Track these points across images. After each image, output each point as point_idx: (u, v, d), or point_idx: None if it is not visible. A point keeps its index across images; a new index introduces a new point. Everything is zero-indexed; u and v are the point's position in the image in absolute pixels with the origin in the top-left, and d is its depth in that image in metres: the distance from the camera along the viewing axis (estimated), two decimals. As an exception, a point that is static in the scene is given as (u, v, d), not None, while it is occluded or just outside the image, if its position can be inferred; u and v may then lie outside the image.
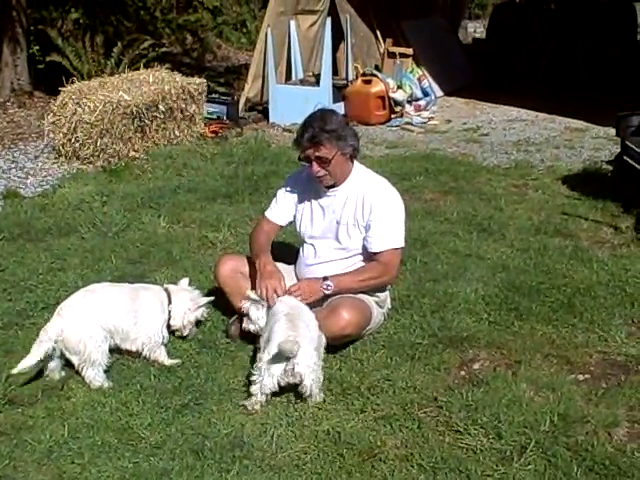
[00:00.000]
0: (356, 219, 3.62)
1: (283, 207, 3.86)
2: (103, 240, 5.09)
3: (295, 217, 3.85)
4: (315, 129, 3.49)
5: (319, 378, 3.23)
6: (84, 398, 3.28)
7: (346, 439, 2.99)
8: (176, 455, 2.89)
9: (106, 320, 3.43)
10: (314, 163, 3.55)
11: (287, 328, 3.21)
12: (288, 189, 3.87)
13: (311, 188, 3.72)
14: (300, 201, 3.81)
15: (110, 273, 4.54)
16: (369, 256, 3.64)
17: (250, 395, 3.19)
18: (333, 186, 3.66)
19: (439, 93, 10.34)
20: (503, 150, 7.33)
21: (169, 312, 3.64)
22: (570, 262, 4.56)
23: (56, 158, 6.83)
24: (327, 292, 3.51)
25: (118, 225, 5.33)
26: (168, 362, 3.52)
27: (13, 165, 6.79)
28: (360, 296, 3.63)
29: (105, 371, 3.38)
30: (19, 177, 6.49)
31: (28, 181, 6.39)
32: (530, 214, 5.48)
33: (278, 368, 3.13)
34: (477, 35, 16.21)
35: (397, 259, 3.68)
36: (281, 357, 3.11)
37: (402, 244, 3.67)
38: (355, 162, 3.72)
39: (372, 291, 3.66)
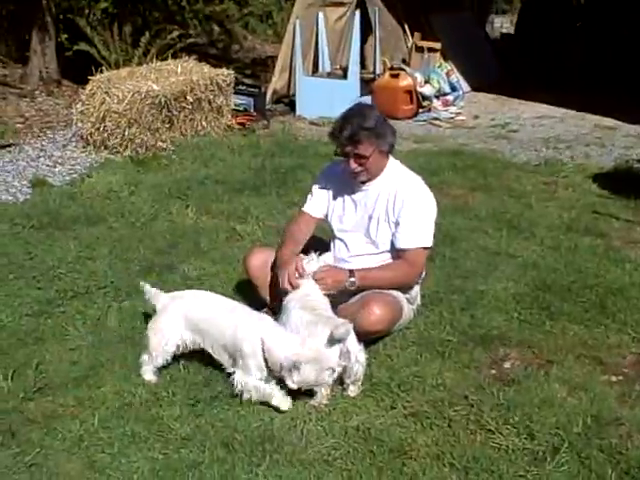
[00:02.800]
0: (387, 214, 3.58)
1: (318, 200, 3.83)
2: (131, 230, 5.10)
3: (328, 210, 3.83)
4: (354, 126, 3.45)
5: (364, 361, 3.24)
6: (114, 387, 3.28)
7: (376, 435, 2.97)
8: (206, 447, 2.88)
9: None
10: (352, 160, 3.52)
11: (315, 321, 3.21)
12: (322, 182, 3.85)
13: (344, 182, 3.69)
14: (333, 194, 3.78)
15: (138, 263, 4.56)
16: (397, 253, 3.60)
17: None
18: (367, 181, 3.63)
19: (467, 88, 10.24)
20: (532, 147, 7.25)
21: None
22: (602, 262, 4.50)
23: (84, 147, 6.86)
24: (350, 288, 3.48)
25: (146, 215, 5.34)
26: None
27: (42, 154, 6.82)
28: (392, 292, 3.60)
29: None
30: (47, 166, 6.52)
31: (56, 170, 6.41)
32: (560, 212, 5.42)
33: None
34: (504, 30, 16.07)
35: (423, 258, 3.63)
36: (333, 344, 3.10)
37: (430, 244, 3.62)
38: (390, 157, 3.68)
39: (399, 289, 3.63)
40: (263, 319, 3.26)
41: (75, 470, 2.80)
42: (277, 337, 3.09)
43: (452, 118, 8.59)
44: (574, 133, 7.83)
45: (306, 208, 3.87)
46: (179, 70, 7.32)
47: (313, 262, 3.50)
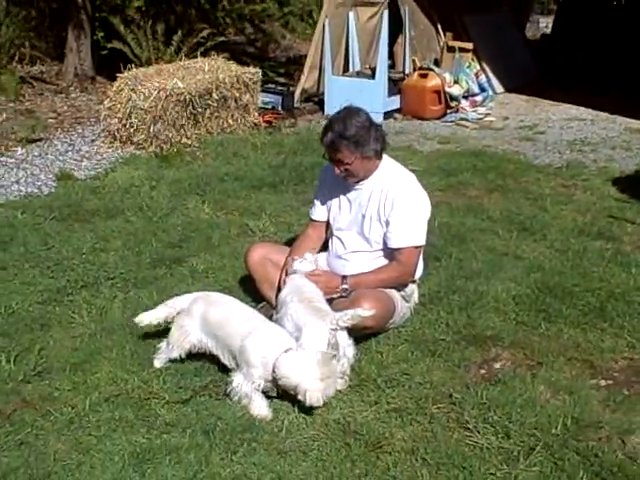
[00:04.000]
0: (378, 214, 3.64)
1: (319, 204, 3.93)
2: (147, 223, 5.23)
3: (329, 210, 3.90)
4: (334, 134, 3.53)
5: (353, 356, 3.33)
6: (109, 374, 3.40)
7: (355, 429, 3.04)
8: (188, 433, 2.98)
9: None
10: (335, 164, 3.60)
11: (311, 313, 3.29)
12: (321, 185, 3.96)
13: (339, 182, 3.75)
14: (331, 194, 3.85)
15: (149, 256, 4.67)
16: (390, 252, 3.65)
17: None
18: (359, 181, 3.68)
19: (500, 89, 10.19)
20: (556, 149, 7.19)
21: None
22: (608, 266, 4.48)
23: (111, 142, 7.02)
24: (343, 295, 3.54)
25: (163, 209, 5.47)
26: None
27: (70, 148, 7.01)
28: (385, 289, 3.65)
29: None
30: (75, 160, 6.70)
31: (83, 164, 6.59)
32: (575, 215, 5.39)
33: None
34: (548, 31, 15.88)
35: (416, 257, 3.68)
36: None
37: (422, 242, 3.68)
38: (384, 156, 3.73)
39: (395, 287, 3.68)
40: (277, 333, 3.28)
41: (62, 450, 2.92)
42: (292, 361, 3.09)
43: (480, 119, 8.54)
44: (602, 136, 7.73)
45: (311, 214, 3.98)
46: (206, 68, 7.44)
47: (305, 262, 3.58)
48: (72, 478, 2.77)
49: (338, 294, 3.55)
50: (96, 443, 2.95)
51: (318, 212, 3.91)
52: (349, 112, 3.66)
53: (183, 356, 3.42)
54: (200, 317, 3.40)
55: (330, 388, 3.11)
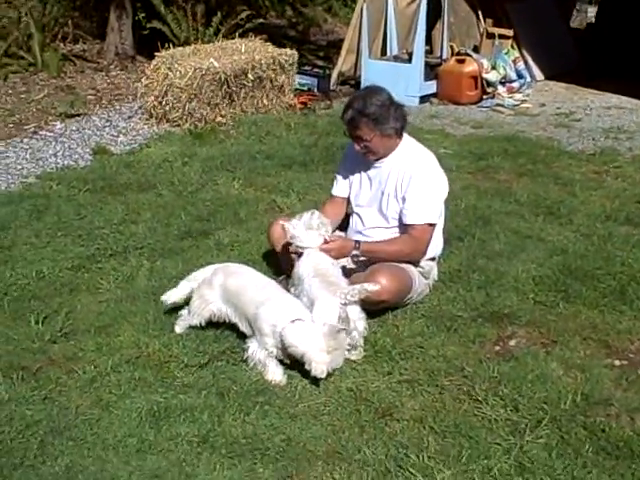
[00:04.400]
0: (396, 191, 3.70)
1: (340, 180, 4.01)
2: (177, 197, 5.34)
3: (350, 188, 3.96)
4: (354, 111, 3.60)
5: (364, 330, 3.39)
6: (131, 337, 3.52)
7: (366, 397, 3.11)
8: (203, 395, 3.08)
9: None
10: (355, 141, 3.66)
11: (323, 287, 3.36)
12: (343, 162, 4.04)
13: (361, 160, 3.81)
14: (353, 171, 3.92)
15: (177, 228, 4.79)
16: (405, 228, 3.70)
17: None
18: (379, 158, 3.74)
19: (540, 77, 10.08)
20: (591, 136, 7.12)
21: None
22: (632, 250, 4.45)
23: (147, 119, 7.15)
24: (354, 259, 3.59)
25: (194, 185, 5.58)
26: None
27: (107, 124, 7.16)
28: (402, 264, 3.71)
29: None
30: (111, 135, 6.85)
31: (119, 139, 6.73)
32: (604, 201, 5.35)
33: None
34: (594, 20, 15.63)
35: (428, 235, 3.73)
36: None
37: (435, 220, 3.72)
38: (405, 136, 3.78)
39: (408, 262, 3.72)
40: (289, 303, 3.36)
41: (83, 406, 3.05)
42: (298, 331, 3.17)
43: (516, 105, 8.47)
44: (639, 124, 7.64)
45: (333, 191, 4.05)
46: (243, 49, 7.52)
47: (305, 216, 3.61)
48: (91, 431, 2.89)
49: (350, 259, 3.61)
50: (116, 400, 3.07)
51: (339, 188, 3.98)
52: (370, 90, 3.72)
53: (203, 324, 3.52)
54: (220, 287, 3.48)
55: (336, 361, 3.17)
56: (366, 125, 3.59)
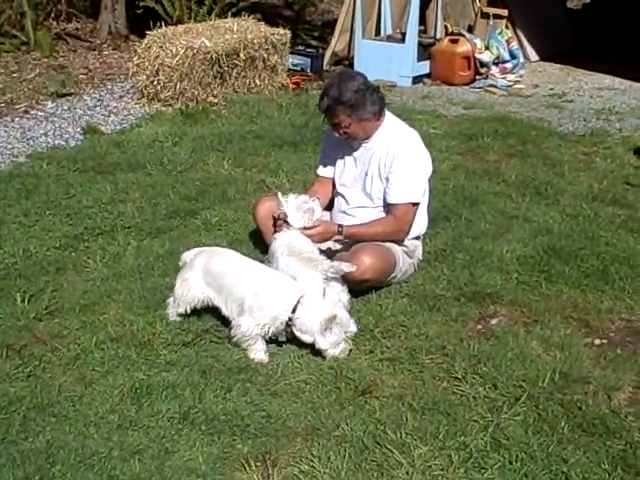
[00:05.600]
0: (379, 170, 3.72)
1: (325, 160, 4.03)
2: (166, 177, 5.35)
3: (334, 167, 3.98)
4: (330, 99, 3.61)
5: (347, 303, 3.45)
6: (116, 315, 3.54)
7: (347, 375, 3.13)
8: (185, 372, 3.11)
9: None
10: (334, 129, 3.69)
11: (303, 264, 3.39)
12: (327, 142, 4.06)
13: (344, 140, 3.82)
14: (336, 151, 3.94)
15: (165, 207, 4.80)
16: (388, 209, 3.72)
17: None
18: (363, 140, 3.75)
19: (534, 57, 10.08)
20: (582, 117, 7.13)
21: None
22: (617, 231, 4.48)
23: (139, 99, 7.15)
24: (338, 238, 3.62)
25: (183, 164, 5.59)
26: None
27: (98, 103, 7.14)
28: (386, 244, 3.73)
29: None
30: (102, 115, 6.84)
31: (110, 119, 6.73)
32: (591, 182, 5.38)
33: None
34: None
35: (411, 214, 3.75)
36: None
37: (418, 199, 3.74)
38: (389, 115, 3.79)
39: (392, 241, 3.75)
40: (287, 278, 3.39)
41: (67, 383, 3.07)
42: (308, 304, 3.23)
43: (509, 86, 8.48)
44: (631, 105, 7.63)
45: (318, 170, 4.07)
46: (235, 28, 7.50)
47: (302, 197, 3.64)
48: (74, 408, 2.92)
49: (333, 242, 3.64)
50: (99, 378, 3.10)
51: (323, 169, 4.00)
52: (344, 77, 3.72)
53: (189, 311, 3.48)
54: (202, 268, 3.48)
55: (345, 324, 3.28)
56: (343, 112, 3.61)
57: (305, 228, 3.57)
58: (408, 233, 3.80)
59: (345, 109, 3.60)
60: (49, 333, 3.42)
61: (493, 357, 3.23)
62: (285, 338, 3.33)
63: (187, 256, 3.64)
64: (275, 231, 3.62)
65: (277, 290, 3.30)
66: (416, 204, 3.73)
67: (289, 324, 3.23)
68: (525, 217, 4.72)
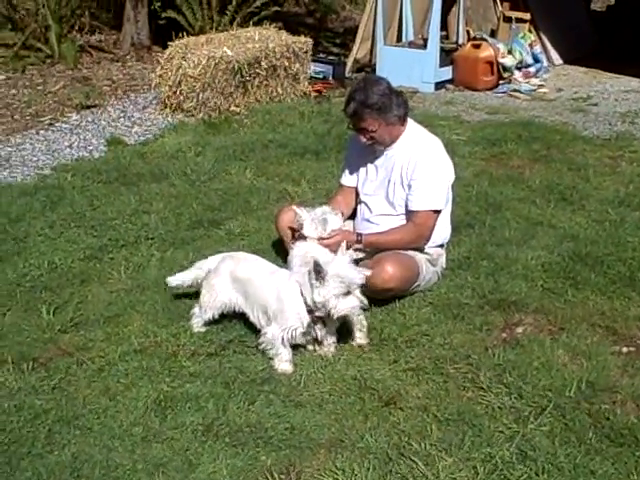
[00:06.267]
0: (402, 178, 3.70)
1: (348, 169, 4.03)
2: (190, 187, 5.37)
3: (357, 176, 3.97)
4: (356, 103, 3.60)
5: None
6: (140, 327, 3.56)
7: (371, 385, 3.12)
8: (209, 383, 3.12)
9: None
10: (361, 133, 3.67)
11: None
12: (350, 151, 4.07)
13: (367, 148, 3.81)
14: (359, 160, 3.93)
15: (188, 218, 4.82)
16: (409, 216, 3.71)
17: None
18: (387, 146, 3.74)
19: (558, 61, 9.98)
20: (607, 121, 7.05)
21: None
22: (645, 236, 4.43)
23: (162, 109, 7.19)
24: (358, 247, 3.61)
25: (206, 174, 5.61)
26: None
27: (122, 114, 7.20)
28: (409, 252, 3.71)
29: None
30: (126, 126, 6.89)
31: (133, 130, 6.77)
32: (618, 186, 5.31)
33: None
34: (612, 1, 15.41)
35: (432, 221, 3.72)
36: None
37: (439, 207, 3.72)
38: (410, 122, 3.78)
39: (415, 249, 3.72)
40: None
41: (91, 395, 3.09)
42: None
43: (533, 91, 8.40)
44: (658, 108, 7.54)
45: (341, 180, 4.07)
46: (257, 37, 7.52)
47: (319, 210, 3.65)
48: (98, 420, 2.93)
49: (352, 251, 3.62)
50: (123, 390, 3.11)
51: (347, 178, 4.00)
52: (369, 81, 3.73)
53: (216, 317, 3.51)
54: (229, 274, 3.50)
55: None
56: (370, 115, 3.60)
57: (322, 238, 3.56)
58: (429, 240, 3.77)
59: (372, 112, 3.60)
60: (74, 345, 3.45)
61: (518, 366, 3.20)
62: (312, 344, 3.35)
63: (209, 263, 3.65)
64: (294, 242, 3.62)
65: (296, 291, 3.30)
66: (437, 211, 3.71)
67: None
68: (550, 223, 4.67)
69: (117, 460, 2.70)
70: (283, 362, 3.26)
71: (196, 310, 3.57)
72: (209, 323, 3.54)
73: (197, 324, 3.54)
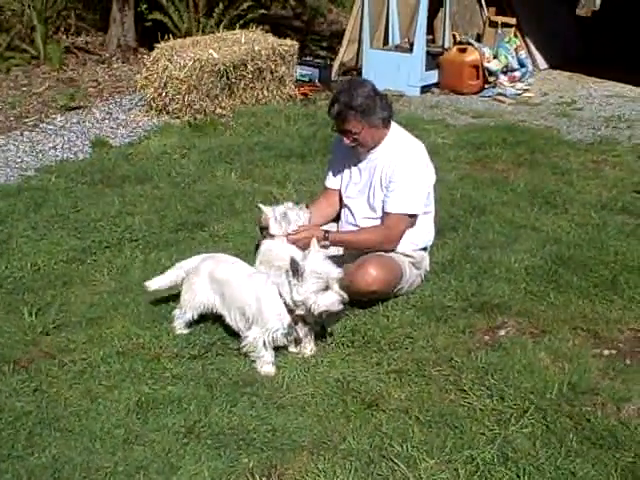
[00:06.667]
0: (381, 180, 3.71)
1: (332, 172, 4.03)
2: (174, 189, 5.36)
3: (341, 179, 3.98)
4: (340, 105, 3.61)
5: None
6: (123, 329, 3.54)
7: (354, 387, 3.12)
8: (191, 386, 3.11)
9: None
10: (344, 135, 3.68)
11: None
12: (334, 154, 4.07)
13: (351, 151, 3.82)
14: (343, 163, 3.94)
15: (173, 220, 4.81)
16: (382, 217, 3.74)
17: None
18: (370, 149, 3.74)
19: (544, 65, 10.06)
20: (591, 125, 7.10)
21: None
22: (627, 240, 4.45)
23: (147, 111, 7.18)
24: (325, 244, 3.61)
25: (191, 176, 5.61)
26: None
27: (107, 116, 7.18)
28: (392, 254, 3.72)
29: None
30: (111, 128, 6.87)
31: (118, 132, 6.76)
32: (600, 190, 5.35)
33: None
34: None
35: (403, 225, 3.72)
36: None
37: (414, 211, 3.72)
38: (394, 125, 3.78)
39: (390, 250, 3.74)
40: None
41: (73, 397, 3.07)
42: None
43: (518, 95, 8.46)
44: (641, 113, 7.60)
45: (325, 182, 4.08)
46: (243, 40, 7.53)
47: (282, 207, 3.69)
48: (79, 423, 2.91)
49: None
50: (105, 392, 3.10)
51: (331, 180, 4.00)
52: (354, 83, 3.73)
53: (196, 317, 3.50)
54: (208, 275, 3.49)
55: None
56: (354, 118, 3.60)
57: (289, 234, 3.59)
58: (397, 244, 3.75)
59: (356, 114, 3.60)
60: (56, 347, 3.42)
61: (501, 369, 3.20)
62: (293, 343, 3.35)
63: (189, 263, 3.64)
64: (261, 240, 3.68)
65: (274, 293, 3.29)
66: (412, 216, 3.71)
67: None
68: (533, 226, 4.70)
69: (98, 462, 2.69)
70: (266, 365, 3.26)
71: (177, 312, 3.55)
72: (191, 325, 3.53)
73: (179, 326, 3.53)
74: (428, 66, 8.67)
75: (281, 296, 3.23)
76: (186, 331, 3.52)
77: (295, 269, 3.15)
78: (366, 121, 3.62)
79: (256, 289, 3.32)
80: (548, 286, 3.93)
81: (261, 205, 3.77)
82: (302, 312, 3.23)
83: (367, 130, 3.64)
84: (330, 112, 3.69)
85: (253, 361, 3.27)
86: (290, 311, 3.25)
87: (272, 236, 3.66)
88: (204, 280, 3.47)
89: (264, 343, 3.25)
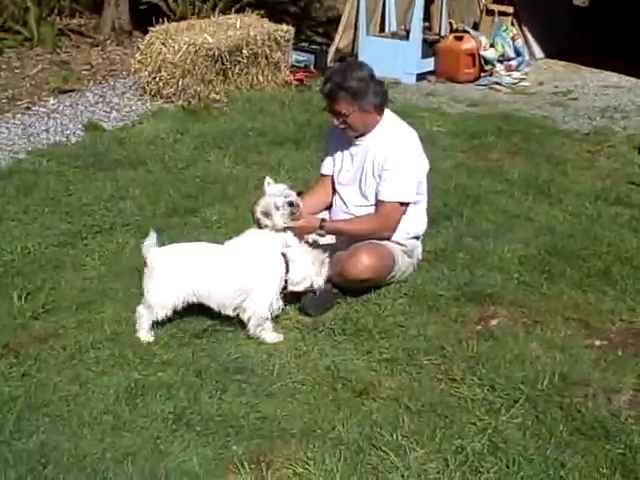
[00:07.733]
0: (374, 167, 3.68)
1: (326, 158, 3.99)
2: (167, 174, 5.33)
3: (334, 165, 3.95)
4: (332, 84, 3.57)
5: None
6: (113, 314, 3.53)
7: (344, 375, 3.12)
8: (181, 372, 3.10)
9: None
10: (334, 116, 3.65)
11: None
12: (328, 140, 4.04)
13: (345, 138, 3.79)
14: (336, 149, 3.91)
15: (165, 205, 4.78)
16: (376, 206, 3.71)
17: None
18: (360, 136, 3.71)
19: (540, 55, 10.01)
20: (587, 115, 7.07)
21: None
22: (621, 231, 4.45)
23: (141, 95, 7.11)
24: (320, 232, 3.61)
25: (184, 161, 5.57)
26: None
27: (100, 100, 7.11)
28: (384, 242, 3.70)
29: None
30: (104, 111, 6.81)
31: (112, 115, 6.70)
32: (595, 181, 5.34)
33: None
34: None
35: (398, 213, 3.70)
36: None
37: (407, 199, 3.70)
38: (388, 113, 3.75)
39: (386, 238, 3.72)
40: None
41: (62, 382, 3.06)
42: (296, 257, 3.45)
43: (514, 84, 8.42)
44: (636, 104, 7.54)
45: (321, 169, 4.04)
46: (238, 24, 7.45)
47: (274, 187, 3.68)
48: (67, 408, 2.90)
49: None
50: (94, 377, 3.09)
51: (326, 166, 3.97)
52: (350, 65, 3.72)
53: (169, 315, 3.37)
54: (176, 271, 3.39)
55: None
56: (344, 99, 3.57)
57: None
58: (394, 232, 3.73)
59: (347, 96, 3.57)
60: (45, 332, 3.40)
61: (492, 358, 3.20)
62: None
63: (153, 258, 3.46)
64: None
65: (266, 263, 3.39)
66: (405, 204, 3.69)
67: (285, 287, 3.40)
68: (527, 216, 4.68)
69: (86, 448, 2.68)
70: (271, 332, 3.34)
71: (141, 309, 3.38)
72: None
73: (145, 329, 3.36)
74: (424, 54, 8.60)
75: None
76: (152, 339, 3.35)
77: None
78: (357, 104, 3.58)
79: (244, 268, 3.39)
80: (541, 276, 3.92)
81: (268, 178, 3.73)
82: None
83: (358, 114, 3.61)
84: (322, 90, 3.67)
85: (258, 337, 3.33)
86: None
87: (260, 225, 3.59)
88: (170, 275, 3.37)
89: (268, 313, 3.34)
